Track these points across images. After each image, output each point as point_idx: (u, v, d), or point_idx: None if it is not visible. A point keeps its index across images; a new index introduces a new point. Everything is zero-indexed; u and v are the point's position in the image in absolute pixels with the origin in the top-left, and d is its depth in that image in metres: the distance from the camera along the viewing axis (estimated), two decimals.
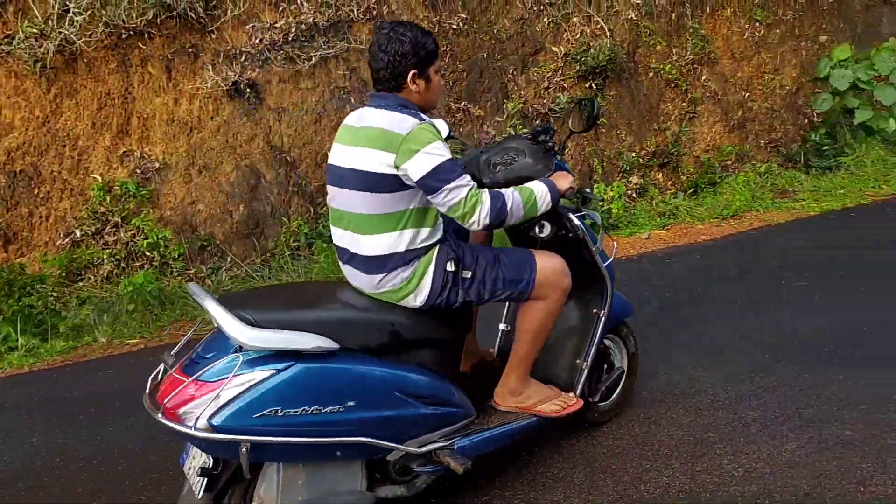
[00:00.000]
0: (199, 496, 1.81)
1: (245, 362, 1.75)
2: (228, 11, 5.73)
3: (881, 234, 5.38)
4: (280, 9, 5.99)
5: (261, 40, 5.87)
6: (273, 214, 5.97)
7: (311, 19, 6.01)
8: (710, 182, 7.18)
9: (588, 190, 2.44)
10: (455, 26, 6.65)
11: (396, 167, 1.95)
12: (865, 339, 3.52)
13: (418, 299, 2.06)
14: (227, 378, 1.71)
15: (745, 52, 7.94)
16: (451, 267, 2.07)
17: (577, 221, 2.35)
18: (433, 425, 2.06)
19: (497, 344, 2.78)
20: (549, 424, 2.43)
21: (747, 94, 7.94)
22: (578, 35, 7.15)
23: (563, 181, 2.22)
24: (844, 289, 4.20)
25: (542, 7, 7.02)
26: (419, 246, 2.06)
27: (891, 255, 4.83)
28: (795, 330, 3.67)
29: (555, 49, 7.07)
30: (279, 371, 1.76)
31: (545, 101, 6.98)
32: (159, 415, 1.74)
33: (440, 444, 2.04)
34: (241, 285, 5.29)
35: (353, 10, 6.21)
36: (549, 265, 2.19)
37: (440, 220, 2.14)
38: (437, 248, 2.09)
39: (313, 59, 6.02)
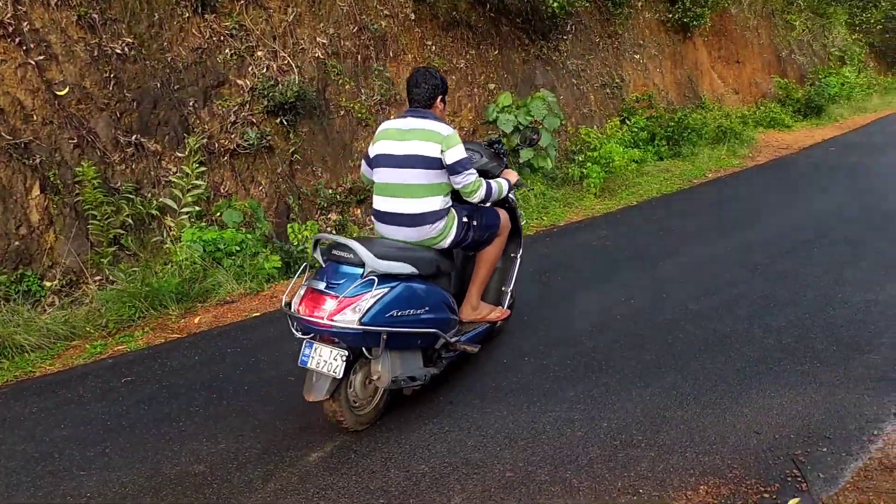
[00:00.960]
0: (340, 375, 2.78)
1: (370, 284, 2.79)
2: None
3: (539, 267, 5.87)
4: None
5: None
6: None
7: None
8: None
9: (522, 182, 4.19)
10: (119, 51, 5.85)
11: (441, 153, 3.14)
12: (514, 371, 3.76)
13: (447, 242, 3.31)
14: (363, 294, 2.76)
15: None
16: (465, 219, 3.37)
17: (512, 197, 3.88)
18: (451, 326, 3.31)
19: None
20: (490, 328, 3.82)
21: None
22: (265, 69, 6.89)
23: (512, 177, 3.73)
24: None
25: (222, 38, 6.60)
26: (446, 207, 3.27)
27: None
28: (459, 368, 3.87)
29: (240, 82, 6.69)
30: (392, 288, 2.86)
31: (233, 136, 6.54)
32: (316, 322, 2.74)
33: (456, 339, 3.33)
34: None
35: None
36: (504, 216, 3.67)
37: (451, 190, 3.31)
38: (453, 208, 3.32)
39: None
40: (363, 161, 3.64)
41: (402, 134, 3.24)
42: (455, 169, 3.18)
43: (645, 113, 11.64)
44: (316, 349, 2.85)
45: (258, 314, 4.95)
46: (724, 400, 3.37)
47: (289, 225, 6.25)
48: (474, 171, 3.27)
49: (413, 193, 3.19)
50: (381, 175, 3.34)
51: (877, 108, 18.97)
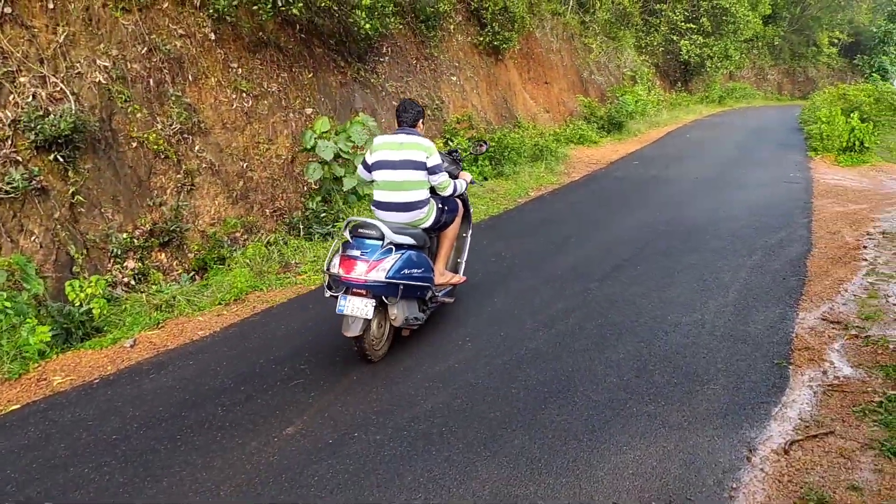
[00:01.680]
0: (371, 315, 3.90)
1: (389, 251, 4.00)
2: None
3: None
4: None
5: None
6: None
7: None
8: (219, 258, 6.70)
9: (474, 181, 5.35)
10: None
11: (426, 158, 4.39)
12: (341, 455, 3.31)
13: (429, 222, 4.55)
14: (385, 258, 3.94)
15: (236, 122, 7.83)
16: (439, 206, 4.65)
17: (465, 193, 5.07)
18: (433, 284, 4.52)
19: None
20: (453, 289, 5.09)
21: (246, 165, 7.83)
22: (30, 98, 5.83)
23: (467, 177, 5.07)
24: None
25: None
26: (428, 198, 4.51)
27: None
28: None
29: None
30: (403, 254, 4.07)
31: None
32: (355, 277, 3.89)
33: (433, 295, 4.59)
34: None
35: None
36: (460, 205, 4.95)
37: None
38: (431, 199, 4.57)
39: None
40: (360, 166, 4.77)
41: (398, 145, 4.44)
42: (434, 171, 4.46)
43: (466, 133, 11.81)
44: (349, 300, 3.94)
45: (18, 406, 3.95)
46: (577, 463, 3.12)
47: (68, 283, 5.25)
48: (446, 172, 4.63)
49: (407, 187, 4.41)
50: (382, 175, 4.49)
51: (667, 122, 21.20)
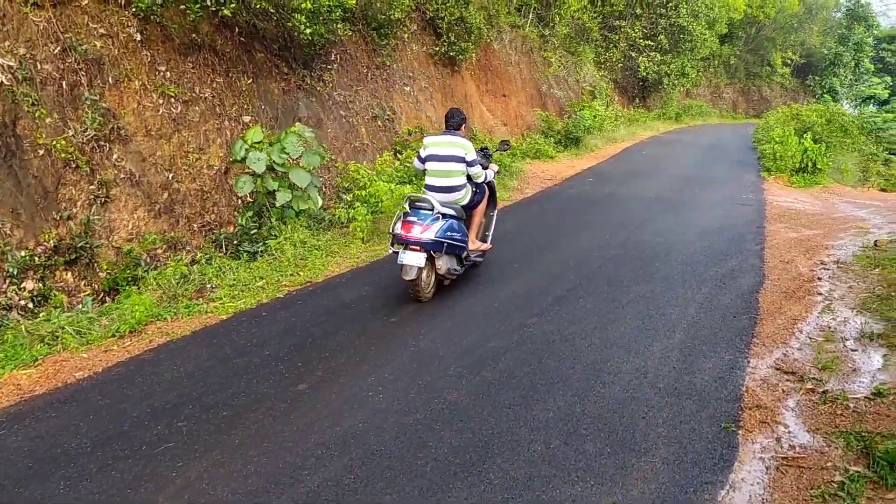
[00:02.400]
0: (423, 265, 5.28)
1: (437, 219, 5.44)
2: None
3: (265, 342, 4.90)
4: None
5: None
6: None
7: None
8: (133, 278, 6.13)
9: (500, 170, 8.14)
10: None
11: (465, 154, 5.86)
12: None
13: (465, 201, 6.03)
14: (434, 223, 5.39)
15: (163, 129, 7.28)
16: (473, 189, 6.13)
17: (493, 181, 6.64)
18: (467, 246, 5.93)
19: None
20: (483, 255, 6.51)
21: (172, 175, 7.27)
22: None
23: (494, 168, 6.59)
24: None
25: None
26: (464, 183, 5.96)
27: (250, 373, 4.36)
28: None
29: None
30: (447, 221, 5.54)
31: None
32: (413, 236, 5.32)
33: (469, 255, 6.08)
34: None
35: None
36: (487, 190, 6.47)
37: None
38: (467, 184, 6.03)
39: None
40: (415, 159, 6.34)
41: (446, 143, 5.92)
42: (471, 164, 5.93)
43: (419, 146, 11.41)
44: (407, 253, 5.30)
45: None
46: None
47: None
48: (480, 165, 6.03)
49: (450, 175, 5.87)
50: (432, 165, 5.97)
51: (624, 138, 21.21)
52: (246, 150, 6.90)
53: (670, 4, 26.73)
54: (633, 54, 27.13)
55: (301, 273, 6.51)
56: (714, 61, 37.56)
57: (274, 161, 6.97)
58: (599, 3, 27.26)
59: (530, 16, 20.68)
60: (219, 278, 6.20)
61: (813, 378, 4.09)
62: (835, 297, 5.53)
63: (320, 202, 8.03)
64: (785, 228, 8.11)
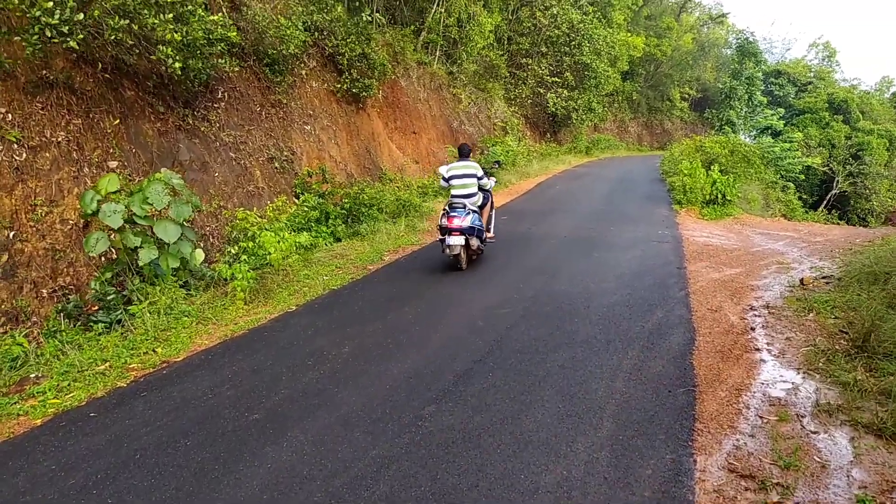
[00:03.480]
0: (463, 244, 7.81)
1: (469, 213, 7.90)
2: None
3: (75, 465, 3.68)
4: None
5: None
6: None
7: None
8: None
9: (496, 181, 10.49)
10: None
11: (476, 172, 8.49)
12: None
13: (478, 204, 8.58)
14: (468, 216, 7.83)
15: (1, 180, 6.15)
16: (483, 194, 8.81)
17: (490, 189, 9.39)
18: (484, 231, 8.59)
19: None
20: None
21: (14, 233, 6.12)
22: None
23: (493, 180, 9.41)
24: None
25: None
26: (476, 191, 8.50)
27: None
28: None
29: None
30: (474, 215, 8.05)
31: None
32: (456, 229, 7.78)
33: (485, 238, 8.80)
34: None
35: None
36: (490, 195, 9.28)
37: None
38: (479, 191, 8.62)
39: None
40: (441, 180, 8.64)
41: (463, 167, 8.40)
42: (482, 178, 8.42)
43: (319, 188, 10.59)
44: (451, 237, 7.64)
45: None
46: None
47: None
48: (486, 177, 8.61)
49: (468, 187, 8.31)
50: (456, 181, 8.35)
51: (538, 173, 21.14)
52: (97, 201, 5.85)
53: (573, 43, 27.41)
54: (542, 90, 27.54)
55: (158, 350, 5.40)
56: (618, 97, 38.97)
57: (135, 213, 5.96)
58: (506, 42, 27.66)
59: (437, 53, 20.48)
60: (56, 361, 5.06)
61: (777, 485, 3.24)
62: (774, 351, 4.94)
63: (201, 257, 7.04)
64: (706, 268, 7.67)
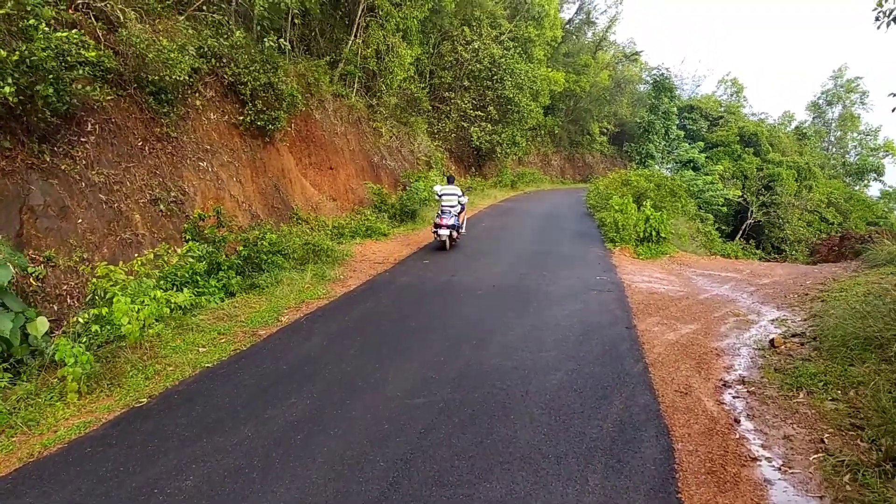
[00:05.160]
0: (449, 235, 13.03)
1: (453, 216, 13.28)
2: None
3: None
4: None
5: None
6: None
7: None
8: None
9: (467, 198, 15.52)
10: None
11: (458, 193, 13.80)
12: None
13: (458, 211, 13.78)
14: (452, 218, 13.17)
15: None
16: (461, 205, 14.05)
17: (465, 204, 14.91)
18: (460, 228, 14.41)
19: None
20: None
21: None
22: None
23: (466, 198, 15.01)
24: None
25: None
26: (458, 203, 13.74)
27: None
28: None
29: None
30: (455, 217, 13.42)
31: None
32: (444, 227, 12.95)
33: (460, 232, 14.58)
34: None
35: None
36: (464, 206, 14.49)
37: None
38: (458, 203, 13.86)
39: None
40: (436, 194, 13.88)
41: (451, 189, 13.61)
42: (461, 195, 13.72)
43: (214, 233, 9.21)
44: (441, 230, 12.82)
45: None
46: None
47: None
48: (463, 195, 13.94)
49: (452, 201, 13.49)
50: (445, 197, 13.46)
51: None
52: None
53: (496, 77, 27.14)
54: (465, 124, 27.03)
55: None
56: (541, 131, 39.19)
57: None
58: (428, 75, 27.08)
59: (356, 85, 19.48)
60: None
61: None
62: (777, 463, 3.80)
63: (44, 327, 5.56)
64: (658, 325, 6.70)
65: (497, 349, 6.16)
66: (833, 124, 52.65)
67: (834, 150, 52.18)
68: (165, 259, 7.83)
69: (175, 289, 7.15)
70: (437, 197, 13.65)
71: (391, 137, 21.15)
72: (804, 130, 48.54)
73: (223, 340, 6.51)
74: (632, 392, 4.95)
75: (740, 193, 31.85)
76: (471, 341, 6.45)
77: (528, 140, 33.36)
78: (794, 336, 5.77)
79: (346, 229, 13.42)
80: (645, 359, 5.68)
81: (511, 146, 28.90)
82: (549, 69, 35.13)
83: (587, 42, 46.98)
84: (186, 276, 7.61)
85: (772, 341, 5.64)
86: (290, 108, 13.15)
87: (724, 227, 30.07)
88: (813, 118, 53.86)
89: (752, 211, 32.45)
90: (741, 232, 32.19)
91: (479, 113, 27.17)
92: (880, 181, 47.28)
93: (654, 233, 11.83)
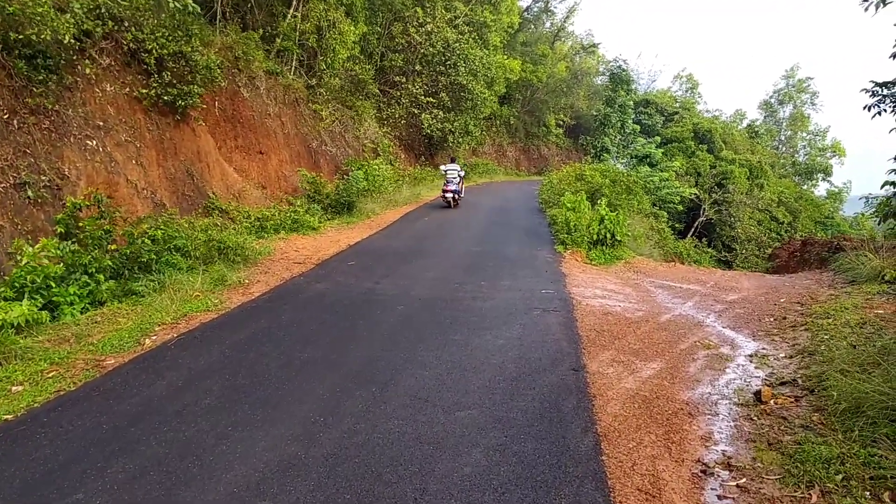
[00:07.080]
0: (453, 198, 18.71)
1: (455, 183, 19.10)
2: None
3: None
4: None
5: None
6: None
7: None
8: None
9: (464, 172, 24.14)
10: None
11: (459, 169, 19.55)
12: None
13: (460, 185, 19.83)
14: (455, 185, 18.80)
15: None
16: (461, 178, 19.93)
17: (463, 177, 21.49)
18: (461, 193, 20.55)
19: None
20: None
21: None
22: None
23: (463, 171, 21.50)
24: None
25: None
26: (458, 177, 19.35)
27: None
28: None
29: None
30: (457, 185, 19.13)
31: None
32: (449, 192, 18.72)
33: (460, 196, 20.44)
34: None
35: None
36: (462, 179, 20.55)
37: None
38: (459, 175, 19.83)
39: None
40: (441, 170, 19.85)
41: (453, 167, 19.29)
42: (460, 171, 19.46)
43: (94, 226, 7.73)
44: (447, 193, 18.52)
45: None
46: None
47: None
48: (462, 171, 20.04)
49: (453, 175, 19.08)
50: (449, 174, 19.09)
51: (407, 200, 19.13)
52: None
53: (449, 62, 25.87)
54: (416, 111, 25.70)
55: None
56: (496, 121, 38.13)
57: None
58: (378, 58, 25.61)
59: (293, 63, 17.93)
60: None
61: None
62: None
63: None
64: (613, 365, 5.29)
65: (401, 401, 4.62)
66: (784, 123, 53.29)
67: (784, 149, 52.81)
68: (18, 259, 6.36)
69: (11, 300, 5.69)
70: (442, 171, 19.47)
71: (333, 121, 19.68)
72: (756, 129, 48.84)
73: (51, 375, 4.94)
74: (576, 493, 3.41)
75: (696, 191, 31.46)
76: (369, 387, 4.89)
77: (482, 130, 32.24)
78: (782, 384, 4.61)
79: (268, 222, 11.99)
80: (596, 426, 4.16)
81: (464, 135, 27.75)
82: (506, 57, 34.03)
83: (545, 32, 46.06)
84: (38, 280, 6.14)
85: (757, 394, 4.50)
86: (208, 82, 11.64)
87: (676, 225, 29.62)
88: (764, 117, 54.41)
89: (704, 209, 32.15)
90: (693, 230, 31.86)
91: (431, 99, 25.88)
92: (828, 181, 48.05)
93: (608, 235, 10.76)
